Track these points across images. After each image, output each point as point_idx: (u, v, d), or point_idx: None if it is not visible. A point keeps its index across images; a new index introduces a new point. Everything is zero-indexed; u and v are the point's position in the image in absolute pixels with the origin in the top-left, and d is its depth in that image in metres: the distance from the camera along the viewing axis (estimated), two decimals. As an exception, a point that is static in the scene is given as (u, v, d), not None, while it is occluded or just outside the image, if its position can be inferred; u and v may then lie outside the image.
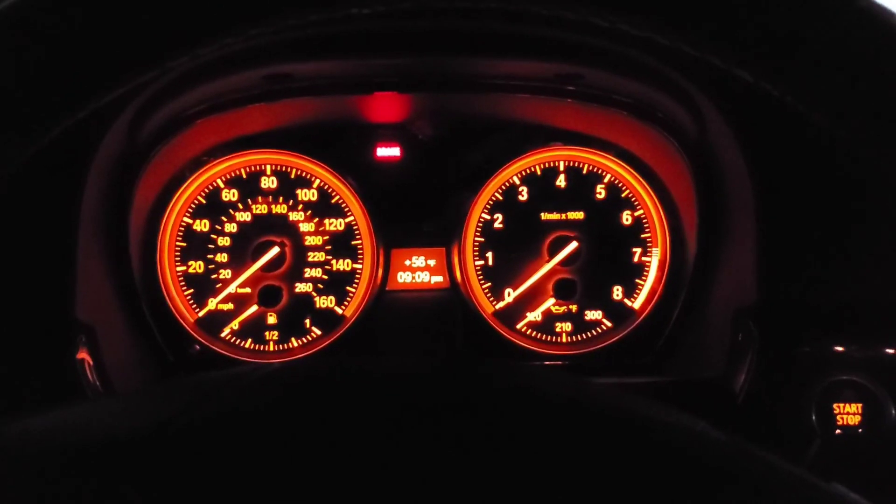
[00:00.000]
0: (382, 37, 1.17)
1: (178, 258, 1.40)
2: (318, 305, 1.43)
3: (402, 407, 0.48)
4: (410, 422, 0.46)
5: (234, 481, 0.42)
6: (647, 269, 1.44)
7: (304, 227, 1.42)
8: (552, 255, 1.42)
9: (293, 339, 1.43)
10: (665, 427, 0.47)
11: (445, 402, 0.48)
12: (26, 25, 0.46)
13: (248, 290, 1.41)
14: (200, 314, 1.41)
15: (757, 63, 0.50)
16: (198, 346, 1.40)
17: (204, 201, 1.40)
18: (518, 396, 0.50)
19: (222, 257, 1.41)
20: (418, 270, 1.46)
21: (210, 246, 1.40)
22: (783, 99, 0.51)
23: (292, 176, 1.41)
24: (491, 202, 1.44)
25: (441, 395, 0.50)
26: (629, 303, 1.45)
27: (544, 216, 1.44)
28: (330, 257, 1.43)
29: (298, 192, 1.41)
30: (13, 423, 0.48)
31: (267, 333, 1.42)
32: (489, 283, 1.45)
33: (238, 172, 1.40)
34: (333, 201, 1.43)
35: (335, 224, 1.43)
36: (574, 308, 1.45)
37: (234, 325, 1.41)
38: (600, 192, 1.44)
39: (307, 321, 1.43)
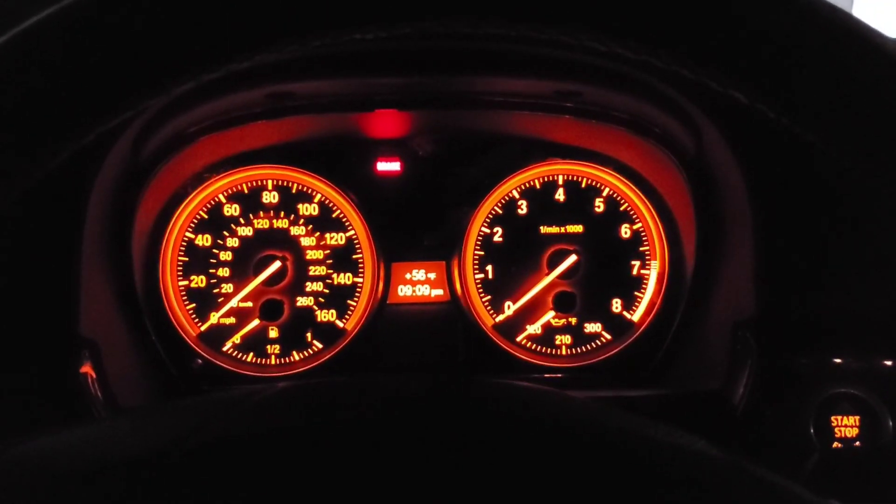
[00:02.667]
0: (383, 56, 1.18)
1: (181, 273, 1.41)
2: (319, 319, 1.44)
3: (411, 428, 0.48)
4: (420, 443, 0.46)
5: (241, 501, 0.42)
6: (645, 281, 1.45)
7: (306, 242, 1.43)
8: (552, 268, 1.43)
9: (295, 353, 1.44)
10: (662, 446, 0.47)
11: (447, 423, 0.49)
12: (34, 49, 0.47)
13: (249, 304, 1.41)
14: (203, 328, 1.41)
15: (751, 86, 0.51)
16: (200, 361, 1.40)
17: (206, 216, 1.41)
18: (513, 417, 0.50)
19: (224, 272, 1.41)
20: (419, 284, 1.47)
21: (212, 260, 1.41)
22: (778, 121, 0.52)
23: (293, 191, 1.42)
24: (490, 216, 1.45)
25: (441, 416, 0.50)
26: (628, 315, 1.46)
27: (543, 230, 1.45)
28: (331, 271, 1.44)
29: (300, 206, 1.42)
30: (24, 444, 0.48)
31: (268, 347, 1.43)
32: (489, 297, 1.46)
33: (240, 187, 1.42)
34: (334, 216, 1.43)
35: (336, 238, 1.44)
36: (573, 321, 1.46)
37: (236, 339, 1.42)
38: (599, 205, 1.45)
39: (308, 335, 1.44)
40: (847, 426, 1.08)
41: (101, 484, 0.43)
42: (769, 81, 0.50)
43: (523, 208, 1.45)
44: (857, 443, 1.07)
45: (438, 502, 0.42)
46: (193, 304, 1.41)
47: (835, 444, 1.08)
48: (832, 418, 1.08)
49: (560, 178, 1.45)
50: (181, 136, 1.29)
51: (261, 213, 1.42)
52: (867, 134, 0.50)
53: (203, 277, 1.41)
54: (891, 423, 1.08)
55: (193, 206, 1.40)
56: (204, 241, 1.41)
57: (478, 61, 1.20)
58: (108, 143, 1.14)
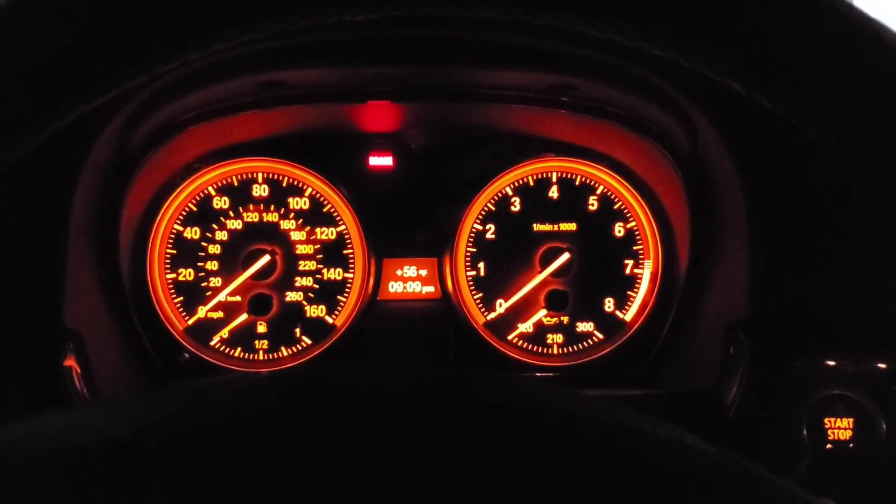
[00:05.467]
0: (376, 46, 1.16)
1: (169, 266, 1.39)
2: (308, 314, 1.42)
3: (391, 418, 0.47)
4: (400, 433, 0.45)
5: (221, 490, 0.41)
6: (638, 281, 1.44)
7: (296, 236, 1.42)
8: (544, 266, 1.42)
9: (283, 348, 1.42)
10: (654, 440, 0.46)
11: (436, 413, 0.48)
12: (14, 28, 0.46)
13: (238, 298, 1.40)
14: (190, 322, 1.40)
15: (749, 75, 0.50)
16: (187, 355, 1.39)
17: (195, 209, 1.39)
18: (507, 409, 0.49)
19: (213, 265, 1.40)
20: (410, 280, 1.46)
21: (200, 254, 1.40)
22: (775, 112, 0.51)
23: (284, 184, 1.41)
24: (483, 212, 1.44)
25: (431, 406, 0.49)
26: (621, 315, 1.45)
27: (537, 227, 1.44)
28: (321, 266, 1.42)
29: (290, 200, 1.41)
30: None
31: (257, 342, 1.41)
32: (481, 294, 1.45)
33: (230, 180, 1.40)
34: (325, 210, 1.42)
35: (327, 233, 1.42)
36: (566, 319, 1.45)
37: (224, 333, 1.40)
38: (593, 203, 1.44)
39: (297, 330, 1.42)
40: (840, 428, 1.07)
41: (70, 470, 0.42)
42: (766, 70, 0.49)
43: (516, 205, 1.44)
44: (851, 445, 1.06)
45: (424, 497, 0.41)
46: (181, 298, 1.40)
47: (828, 446, 1.07)
48: (825, 420, 1.07)
49: (554, 175, 1.44)
50: (170, 126, 1.28)
51: (251, 206, 1.40)
52: (865, 125, 0.49)
53: (191, 270, 1.40)
54: (884, 425, 1.07)
55: (182, 198, 1.39)
56: (192, 233, 1.39)
57: (472, 53, 1.19)
58: (95, 132, 1.13)
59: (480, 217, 1.44)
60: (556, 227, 1.43)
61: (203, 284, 1.40)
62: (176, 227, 1.39)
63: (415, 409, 0.47)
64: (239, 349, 1.41)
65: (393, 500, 0.41)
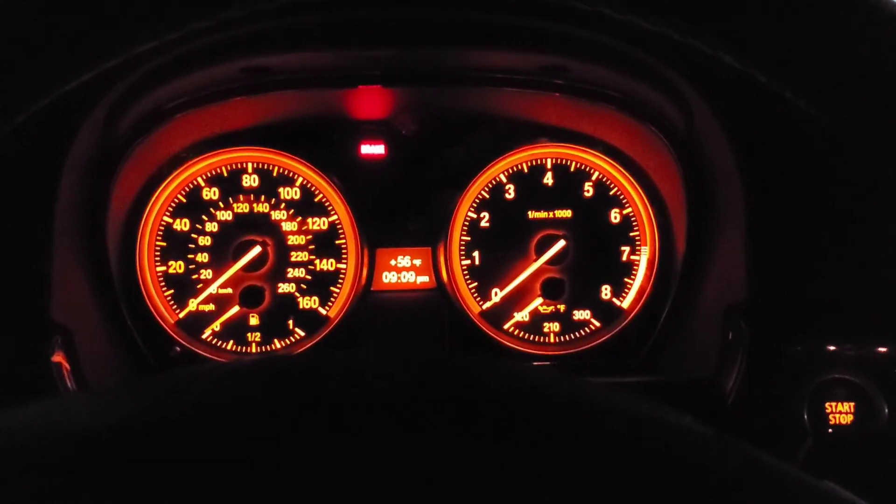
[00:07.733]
0: (364, 27, 1.14)
1: (158, 258, 1.37)
2: (301, 306, 1.41)
3: (385, 404, 0.46)
4: (393, 419, 0.44)
5: (205, 478, 0.40)
6: (635, 267, 1.42)
7: (287, 227, 1.40)
8: (539, 254, 1.40)
9: (276, 341, 1.40)
10: (650, 422, 0.45)
11: (431, 398, 0.46)
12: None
13: (229, 290, 1.38)
14: (181, 315, 1.38)
15: (742, 48, 0.49)
16: (178, 348, 1.37)
17: (184, 200, 1.37)
18: (504, 393, 0.48)
19: (203, 257, 1.38)
20: (404, 270, 1.44)
21: (190, 245, 1.38)
22: (769, 86, 0.50)
23: (274, 174, 1.39)
24: (477, 200, 1.42)
25: (427, 391, 0.48)
26: (618, 302, 1.43)
27: (531, 214, 1.42)
28: (313, 257, 1.41)
29: (281, 190, 1.39)
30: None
31: (249, 335, 1.40)
32: (476, 283, 1.43)
33: (219, 170, 1.38)
34: (317, 200, 1.40)
35: (318, 223, 1.40)
36: (562, 308, 1.43)
37: (216, 326, 1.38)
38: (588, 189, 1.42)
39: (290, 322, 1.40)
40: (842, 412, 1.05)
41: (51, 459, 0.41)
42: (760, 42, 0.48)
43: (511, 192, 1.42)
44: (852, 429, 1.05)
45: (419, 484, 0.40)
46: (171, 291, 1.38)
47: (829, 431, 1.05)
48: (826, 405, 1.06)
49: (548, 161, 1.42)
50: (156, 114, 1.26)
51: (241, 196, 1.38)
52: (861, 98, 0.48)
53: (181, 263, 1.38)
54: (885, 409, 1.06)
55: (171, 189, 1.37)
56: (182, 225, 1.37)
57: (463, 33, 1.17)
58: (79, 121, 1.11)
59: (474, 205, 1.42)
60: (551, 215, 1.42)
61: (194, 277, 1.38)
62: (165, 218, 1.37)
63: (414, 395, 0.46)
64: (231, 342, 1.39)
65: (383, 489, 0.39)
